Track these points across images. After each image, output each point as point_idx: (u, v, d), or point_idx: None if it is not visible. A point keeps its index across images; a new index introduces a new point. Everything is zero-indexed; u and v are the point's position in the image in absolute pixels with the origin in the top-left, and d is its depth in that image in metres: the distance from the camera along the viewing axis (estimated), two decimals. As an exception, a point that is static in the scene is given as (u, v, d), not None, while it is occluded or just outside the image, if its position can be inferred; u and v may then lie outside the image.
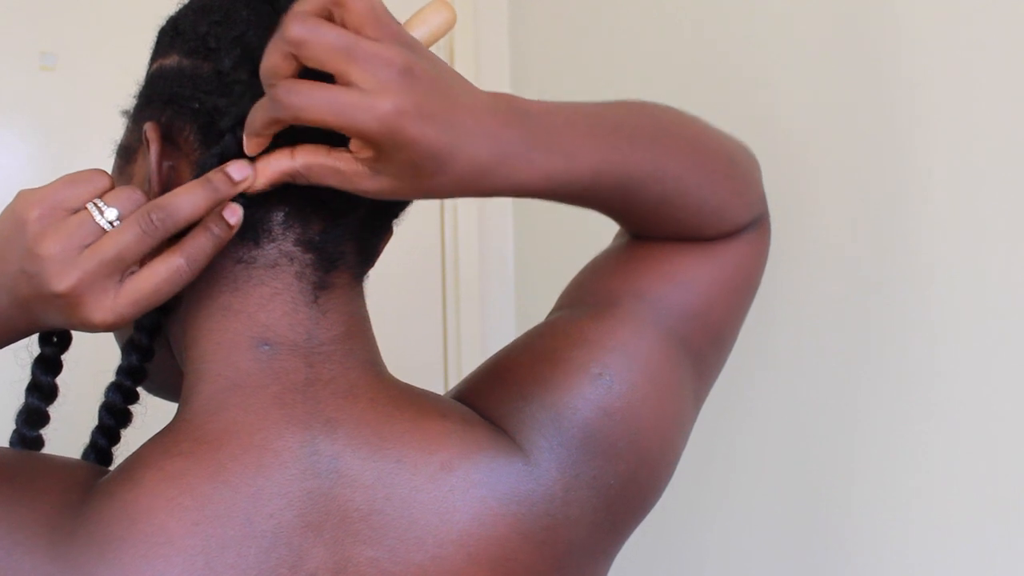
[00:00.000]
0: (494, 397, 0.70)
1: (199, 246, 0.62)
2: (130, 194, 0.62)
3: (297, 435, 0.63)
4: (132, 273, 0.62)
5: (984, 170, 0.97)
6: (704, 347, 0.76)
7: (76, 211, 0.62)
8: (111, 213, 0.61)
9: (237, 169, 0.62)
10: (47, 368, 0.68)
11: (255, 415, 0.63)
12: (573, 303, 0.77)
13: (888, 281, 1.05)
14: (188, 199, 0.62)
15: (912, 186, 1.03)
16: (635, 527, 0.73)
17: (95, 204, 0.62)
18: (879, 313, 1.06)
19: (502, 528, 0.65)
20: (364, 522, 0.63)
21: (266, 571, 0.61)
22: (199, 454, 0.62)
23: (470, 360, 1.60)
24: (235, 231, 0.63)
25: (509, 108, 0.63)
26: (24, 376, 0.68)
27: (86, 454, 0.69)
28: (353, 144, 0.60)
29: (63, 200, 0.62)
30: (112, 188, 0.63)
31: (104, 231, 0.61)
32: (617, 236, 0.81)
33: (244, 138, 0.62)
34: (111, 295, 0.61)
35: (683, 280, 0.75)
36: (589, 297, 0.75)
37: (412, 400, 0.67)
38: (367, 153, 0.60)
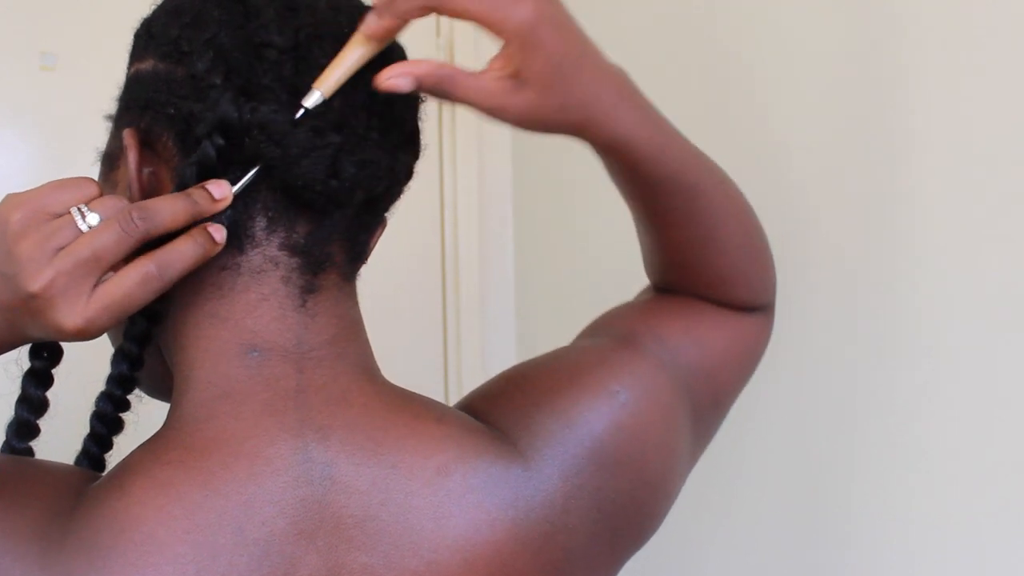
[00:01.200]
0: (504, 404, 0.70)
1: (174, 254, 0.61)
2: (115, 203, 0.61)
3: (289, 442, 0.63)
4: (106, 280, 0.60)
5: (985, 171, 0.97)
6: (705, 404, 0.79)
7: (59, 216, 0.61)
8: (93, 219, 0.60)
9: (217, 188, 0.62)
10: (37, 382, 0.68)
11: (245, 423, 0.63)
12: (594, 335, 0.80)
13: (888, 281, 1.05)
14: (169, 207, 0.61)
15: (913, 186, 1.03)
16: (633, 550, 0.73)
17: (78, 210, 0.61)
18: (879, 313, 1.06)
19: (499, 533, 0.64)
20: (358, 528, 0.62)
21: None
22: (189, 462, 0.61)
23: (470, 363, 1.60)
24: (219, 248, 0.63)
25: (625, 74, 0.71)
26: (14, 389, 0.68)
27: (79, 461, 0.69)
28: (495, 62, 0.65)
29: (47, 204, 0.61)
30: (99, 196, 0.62)
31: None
32: (642, 293, 0.85)
33: (376, 10, 0.64)
34: (83, 300, 0.59)
35: (701, 339, 0.79)
36: (613, 330, 0.79)
37: (406, 404, 0.67)
38: (510, 68, 0.64)
